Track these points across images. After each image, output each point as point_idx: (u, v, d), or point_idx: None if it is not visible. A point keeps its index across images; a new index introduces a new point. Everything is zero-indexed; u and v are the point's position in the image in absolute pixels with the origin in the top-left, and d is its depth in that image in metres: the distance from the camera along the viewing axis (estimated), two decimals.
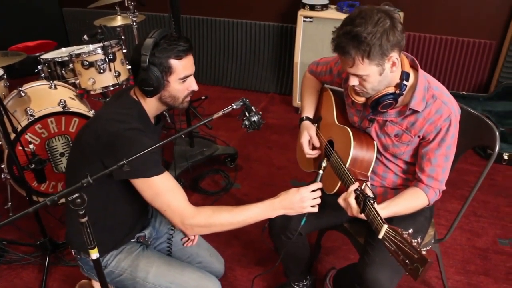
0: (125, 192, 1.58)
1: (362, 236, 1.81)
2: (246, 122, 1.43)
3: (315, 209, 1.54)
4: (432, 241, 1.91)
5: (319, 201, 1.54)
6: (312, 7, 3.46)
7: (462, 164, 3.11)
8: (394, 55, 1.43)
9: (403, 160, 1.69)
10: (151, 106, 1.62)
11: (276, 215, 1.55)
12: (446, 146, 1.56)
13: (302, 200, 1.52)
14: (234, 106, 1.38)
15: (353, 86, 1.53)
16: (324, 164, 1.61)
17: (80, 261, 1.75)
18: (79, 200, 1.22)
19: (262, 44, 4.16)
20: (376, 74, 1.46)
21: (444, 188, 1.63)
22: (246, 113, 1.42)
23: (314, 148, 1.86)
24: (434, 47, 3.65)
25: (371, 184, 1.76)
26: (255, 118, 1.42)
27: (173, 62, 1.53)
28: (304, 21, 3.53)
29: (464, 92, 3.50)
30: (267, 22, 4.05)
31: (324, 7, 3.47)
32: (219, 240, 2.45)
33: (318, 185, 1.56)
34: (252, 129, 1.46)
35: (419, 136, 1.59)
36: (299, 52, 3.65)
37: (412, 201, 1.60)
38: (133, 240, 1.77)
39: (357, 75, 1.47)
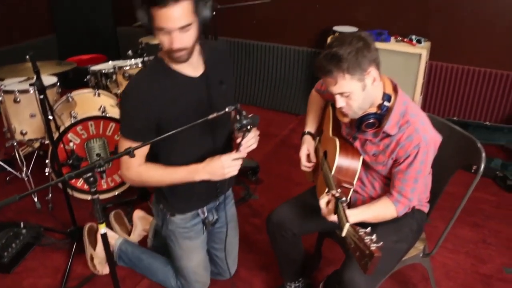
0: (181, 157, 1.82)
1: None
2: (238, 124, 1.59)
3: (235, 173, 1.74)
4: (421, 255, 2.00)
5: (238, 167, 1.73)
6: None
7: (480, 193, 3.14)
8: (372, 70, 1.58)
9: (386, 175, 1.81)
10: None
11: (199, 179, 1.74)
12: (415, 170, 1.66)
13: (223, 166, 1.69)
14: (227, 110, 1.54)
15: (341, 108, 1.67)
16: (237, 124, 1.62)
17: (163, 218, 2.04)
18: (91, 179, 1.45)
19: (294, 67, 4.38)
20: (360, 90, 1.59)
21: (414, 204, 1.76)
22: (237, 116, 1.59)
23: (311, 161, 2.01)
24: (461, 77, 3.73)
25: (361, 196, 1.90)
26: (244, 121, 1.58)
27: (152, 8, 1.51)
28: None
29: (488, 123, 3.54)
30: (300, 47, 4.28)
31: None
32: None
33: (238, 154, 1.72)
34: (242, 131, 1.63)
35: (392, 159, 1.71)
36: None
37: (381, 210, 1.73)
38: (196, 219, 2.03)
39: (342, 94, 1.61)
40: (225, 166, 1.70)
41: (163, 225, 2.06)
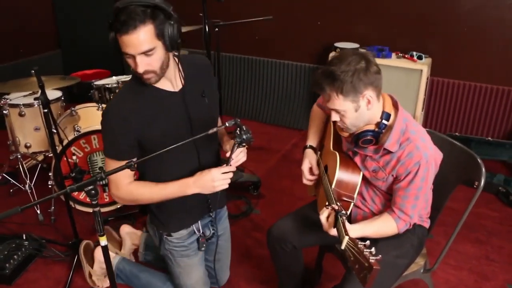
0: (170, 171, 1.82)
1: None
2: (238, 139, 1.60)
3: (226, 186, 1.72)
4: (421, 270, 2.00)
5: (229, 181, 1.71)
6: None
7: (483, 209, 3.13)
8: (368, 93, 1.58)
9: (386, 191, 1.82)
10: None
11: (191, 193, 1.74)
12: (416, 187, 1.67)
13: (213, 179, 1.68)
14: (227, 124, 1.56)
15: (336, 122, 1.69)
16: (238, 139, 1.62)
17: (160, 238, 2.05)
18: (93, 191, 1.47)
19: (296, 83, 4.41)
20: (352, 110, 1.61)
21: (415, 221, 1.77)
22: (238, 131, 1.60)
23: (313, 174, 2.03)
24: (463, 93, 3.75)
25: (362, 211, 1.90)
26: (244, 136, 1.59)
27: (116, 34, 1.56)
28: None
29: (490, 138, 3.54)
30: (302, 63, 4.32)
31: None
32: (232, 256, 2.62)
33: (229, 168, 1.70)
34: (242, 146, 1.64)
35: (393, 175, 1.71)
36: None
37: (383, 227, 1.74)
38: (193, 237, 2.04)
39: (335, 110, 1.64)
40: (215, 179, 1.70)
41: (161, 244, 2.07)
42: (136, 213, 3.01)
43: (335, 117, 1.66)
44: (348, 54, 1.59)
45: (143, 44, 1.55)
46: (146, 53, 1.57)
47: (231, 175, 1.72)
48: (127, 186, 1.78)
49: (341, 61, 1.56)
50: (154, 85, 1.73)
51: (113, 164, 1.73)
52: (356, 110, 1.62)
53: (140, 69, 1.60)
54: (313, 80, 1.63)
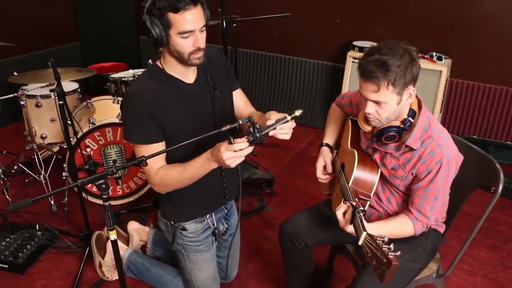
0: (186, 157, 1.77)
1: (362, 259, 1.91)
2: (251, 137, 1.57)
3: (238, 161, 1.53)
4: (434, 275, 1.96)
5: (240, 158, 1.52)
6: (361, 49, 3.64)
7: (499, 214, 3.06)
8: (411, 87, 1.59)
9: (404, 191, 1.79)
10: (170, 63, 1.74)
11: (215, 167, 1.60)
12: (436, 187, 1.64)
13: (222, 158, 1.50)
14: (240, 122, 1.53)
15: (368, 113, 1.65)
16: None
17: (174, 233, 2.04)
18: (104, 185, 1.47)
19: (313, 81, 4.38)
20: (395, 103, 1.59)
21: (432, 223, 1.73)
22: (251, 129, 1.57)
23: (327, 173, 2.00)
24: (482, 95, 3.68)
25: (376, 211, 1.87)
26: (258, 134, 1.55)
27: (171, 15, 1.57)
28: (352, 61, 3.71)
29: (509, 142, 3.46)
30: (319, 60, 4.28)
31: None
32: (242, 254, 2.60)
33: (241, 146, 1.50)
34: (256, 144, 1.60)
35: (412, 174, 1.69)
36: (346, 91, 3.81)
37: (399, 227, 1.70)
38: (207, 231, 2.04)
39: (376, 102, 1.60)
40: (224, 158, 1.52)
41: (174, 240, 2.06)
42: (148, 207, 3.02)
43: (370, 108, 1.62)
44: (397, 46, 1.56)
45: (202, 20, 1.63)
46: (202, 28, 1.64)
47: (242, 152, 1.52)
48: (156, 174, 1.74)
49: (394, 52, 1.53)
50: (171, 75, 1.76)
51: (143, 150, 1.72)
52: (398, 103, 1.60)
53: (202, 44, 1.65)
54: (364, 66, 1.57)
